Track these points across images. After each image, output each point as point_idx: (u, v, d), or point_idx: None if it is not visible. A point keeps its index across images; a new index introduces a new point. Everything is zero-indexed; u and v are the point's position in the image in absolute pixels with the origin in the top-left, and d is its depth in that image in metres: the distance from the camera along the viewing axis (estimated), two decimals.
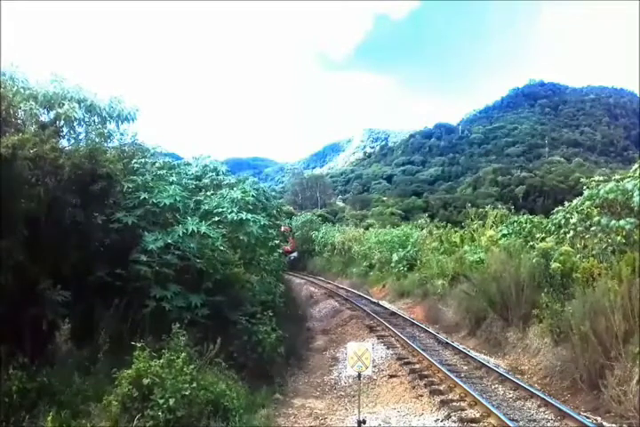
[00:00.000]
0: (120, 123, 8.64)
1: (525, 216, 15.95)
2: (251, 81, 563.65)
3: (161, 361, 5.51)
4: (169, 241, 7.53)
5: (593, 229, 10.85)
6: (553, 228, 12.92)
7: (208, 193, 10.22)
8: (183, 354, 5.74)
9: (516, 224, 15.13)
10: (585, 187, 12.22)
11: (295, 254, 36.42)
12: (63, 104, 7.66)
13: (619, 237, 9.95)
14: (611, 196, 10.57)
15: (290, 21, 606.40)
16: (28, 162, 6.42)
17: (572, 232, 11.70)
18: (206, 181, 11.36)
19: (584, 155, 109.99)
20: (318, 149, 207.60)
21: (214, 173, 11.67)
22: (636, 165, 10.82)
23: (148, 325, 7.08)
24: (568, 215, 12.32)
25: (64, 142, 8.10)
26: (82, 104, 8.03)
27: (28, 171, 6.45)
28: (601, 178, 12.41)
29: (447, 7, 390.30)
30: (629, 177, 10.61)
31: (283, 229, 33.79)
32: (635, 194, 9.82)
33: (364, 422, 6.39)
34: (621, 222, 9.91)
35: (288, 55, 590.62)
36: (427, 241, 23.05)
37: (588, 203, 11.51)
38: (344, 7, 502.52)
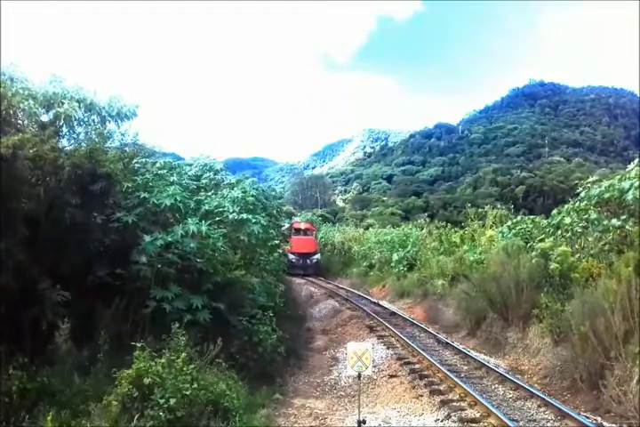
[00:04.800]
0: (120, 121, 8.63)
1: (534, 217, 15.84)
2: (252, 81, 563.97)
3: (162, 361, 5.51)
4: (170, 240, 7.53)
5: (589, 229, 10.88)
6: (551, 229, 12.94)
7: (208, 193, 10.22)
8: (183, 354, 5.74)
9: (520, 227, 15.00)
10: (581, 188, 12.29)
11: (318, 256, 31.46)
12: (63, 103, 7.66)
13: (610, 237, 9.97)
14: (607, 195, 10.61)
15: (293, 22, 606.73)
16: (29, 162, 6.42)
17: (569, 233, 11.72)
18: (205, 180, 11.37)
19: (584, 155, 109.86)
20: (318, 149, 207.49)
21: (212, 173, 11.68)
22: (633, 165, 10.86)
23: (149, 325, 7.09)
24: (564, 216, 12.36)
25: (64, 142, 8.12)
26: (81, 104, 8.03)
27: (28, 171, 6.45)
28: (597, 178, 12.50)
29: (449, 8, 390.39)
30: (626, 177, 10.64)
31: (304, 226, 31.80)
32: (630, 192, 9.86)
33: (364, 422, 6.39)
34: (613, 221, 9.95)
35: (290, 56, 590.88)
36: (426, 241, 23.06)
37: (585, 203, 11.55)
38: (348, 9, 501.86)
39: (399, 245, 25.29)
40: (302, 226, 32.06)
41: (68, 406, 5.49)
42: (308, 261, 30.43)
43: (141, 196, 7.92)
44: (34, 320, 6.26)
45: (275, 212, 14.39)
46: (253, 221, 9.44)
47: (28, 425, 5.21)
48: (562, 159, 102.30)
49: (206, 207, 9.37)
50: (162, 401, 5.19)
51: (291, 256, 28.91)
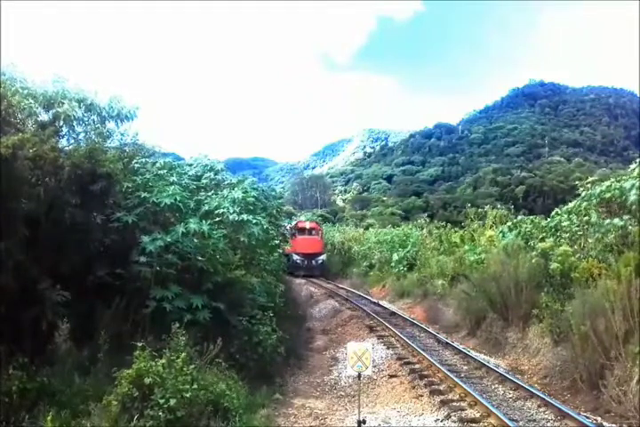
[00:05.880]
0: (120, 122, 8.66)
1: (534, 218, 15.80)
2: (252, 81, 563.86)
3: (162, 361, 5.51)
4: (169, 240, 7.53)
5: (591, 230, 10.89)
6: (551, 230, 12.94)
7: (209, 193, 10.21)
8: (183, 354, 5.74)
9: (520, 228, 14.91)
10: (581, 188, 12.29)
11: (324, 257, 30.28)
12: (63, 103, 7.68)
13: (612, 236, 9.98)
14: (607, 195, 10.62)
15: (293, 22, 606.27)
16: (28, 162, 6.42)
17: (568, 233, 11.72)
18: (205, 180, 11.36)
19: (584, 155, 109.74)
20: (318, 149, 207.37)
21: (212, 173, 11.67)
22: (634, 165, 10.87)
23: (149, 325, 7.09)
24: (562, 218, 12.36)
25: (64, 142, 8.14)
26: (81, 104, 8.04)
27: (28, 171, 6.45)
28: (596, 178, 12.51)
29: (449, 8, 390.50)
30: (627, 177, 10.66)
31: (310, 225, 30.94)
32: (632, 193, 9.87)
33: (364, 422, 6.38)
34: (615, 220, 9.96)
35: (290, 56, 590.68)
36: (426, 241, 23.06)
37: (585, 203, 11.55)
38: (348, 9, 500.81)
39: (399, 245, 25.31)
40: (307, 225, 31.18)
41: (68, 406, 5.50)
42: (314, 262, 29.42)
43: (141, 196, 7.92)
44: (34, 320, 6.25)
45: (275, 212, 14.38)
46: (254, 222, 9.44)
47: (27, 425, 5.22)
48: (562, 159, 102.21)
49: (206, 208, 9.37)
50: (162, 401, 5.19)
51: (295, 257, 28.34)
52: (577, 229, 11.45)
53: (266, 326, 8.79)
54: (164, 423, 5.13)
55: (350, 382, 9.61)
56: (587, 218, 11.10)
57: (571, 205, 12.53)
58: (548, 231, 13.02)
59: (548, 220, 13.67)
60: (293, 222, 32.10)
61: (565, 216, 12.38)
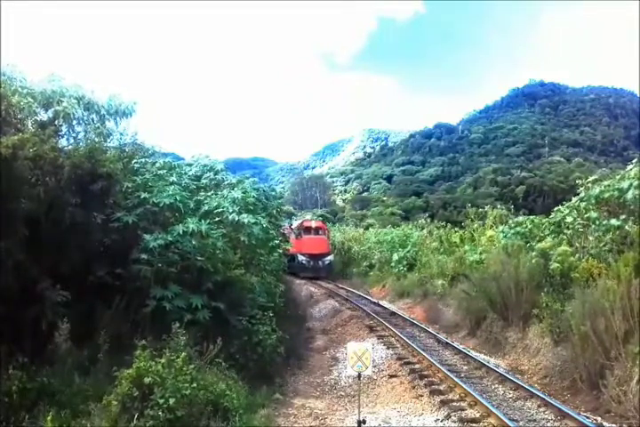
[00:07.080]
0: (119, 119, 8.66)
1: (534, 217, 15.77)
2: (252, 81, 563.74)
3: (162, 361, 5.51)
4: (169, 239, 7.53)
5: (590, 228, 10.90)
6: (552, 228, 12.92)
7: (208, 193, 10.21)
8: (183, 354, 5.74)
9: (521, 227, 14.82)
10: (581, 187, 12.30)
11: (331, 258, 29.08)
12: (62, 101, 7.67)
13: (609, 236, 9.99)
14: (606, 194, 10.63)
15: (293, 23, 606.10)
16: (28, 162, 6.42)
17: (570, 231, 11.72)
18: (205, 180, 11.36)
19: (584, 155, 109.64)
20: (318, 149, 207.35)
21: (212, 173, 11.68)
22: (632, 165, 10.90)
23: (149, 324, 7.09)
24: (566, 214, 12.36)
25: (63, 142, 8.15)
26: (80, 101, 8.04)
27: (28, 171, 6.45)
28: (596, 177, 12.54)
29: (449, 9, 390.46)
30: (625, 176, 10.67)
31: (316, 225, 29.96)
32: (629, 192, 9.90)
33: (364, 422, 6.38)
34: (612, 221, 9.97)
35: (291, 56, 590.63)
36: (427, 241, 23.07)
37: (584, 202, 11.57)
38: (348, 9, 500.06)
39: (399, 245, 25.31)
40: (313, 224, 30.19)
41: (68, 406, 5.49)
42: (320, 262, 28.24)
43: (141, 196, 7.92)
44: (34, 320, 6.26)
45: (275, 212, 14.40)
46: (253, 221, 9.44)
47: (27, 425, 5.21)
48: (562, 159, 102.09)
49: (206, 208, 9.37)
50: (161, 401, 5.18)
51: (301, 258, 27.70)
52: (579, 226, 11.44)
53: (266, 325, 8.79)
54: (163, 423, 5.13)
55: (350, 382, 9.62)
56: (588, 215, 11.11)
57: (573, 200, 12.54)
58: (550, 228, 12.99)
59: (551, 216, 13.66)
60: (299, 221, 31.65)
61: (568, 211, 12.37)
